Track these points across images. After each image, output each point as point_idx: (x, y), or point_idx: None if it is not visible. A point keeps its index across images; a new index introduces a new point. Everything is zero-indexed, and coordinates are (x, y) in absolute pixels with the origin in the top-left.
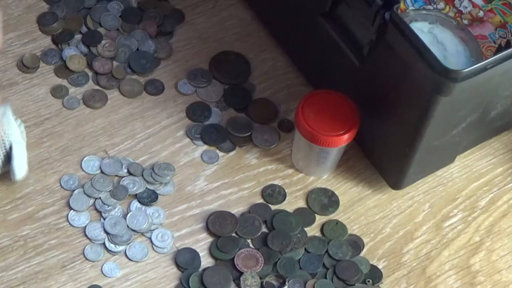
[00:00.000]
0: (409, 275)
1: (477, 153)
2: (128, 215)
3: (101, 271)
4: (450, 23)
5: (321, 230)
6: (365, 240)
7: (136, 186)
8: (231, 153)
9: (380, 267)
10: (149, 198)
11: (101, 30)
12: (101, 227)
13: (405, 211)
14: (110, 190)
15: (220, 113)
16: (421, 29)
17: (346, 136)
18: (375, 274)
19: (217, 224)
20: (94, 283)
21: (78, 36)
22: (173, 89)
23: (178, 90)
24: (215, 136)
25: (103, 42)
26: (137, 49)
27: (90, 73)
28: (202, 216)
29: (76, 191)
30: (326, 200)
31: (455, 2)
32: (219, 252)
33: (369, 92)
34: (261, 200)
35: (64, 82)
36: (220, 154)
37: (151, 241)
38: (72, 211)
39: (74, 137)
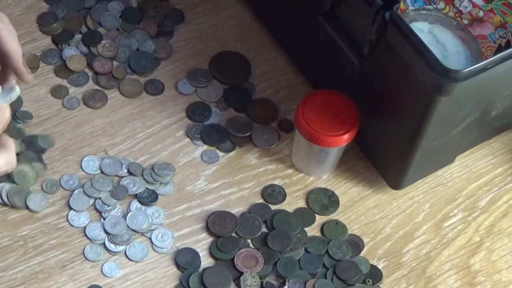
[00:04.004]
0: (409, 275)
1: (477, 153)
2: (128, 215)
3: (101, 271)
4: (450, 23)
5: (321, 230)
6: (365, 240)
7: (136, 186)
8: (231, 153)
9: (380, 267)
10: (149, 198)
11: (101, 30)
12: (101, 227)
13: (405, 211)
14: (110, 190)
15: (220, 113)
16: (421, 29)
17: (346, 136)
18: (375, 274)
19: (217, 224)
20: (94, 283)
21: (78, 36)
22: (173, 89)
23: (178, 90)
24: (215, 136)
25: (103, 42)
26: (137, 49)
27: (90, 73)
28: (202, 216)
29: (76, 191)
30: (326, 200)
31: (455, 2)
32: (219, 252)
33: (369, 92)
34: (261, 200)
35: (64, 82)
36: (220, 154)
37: (151, 241)
38: (72, 211)
39: (74, 137)
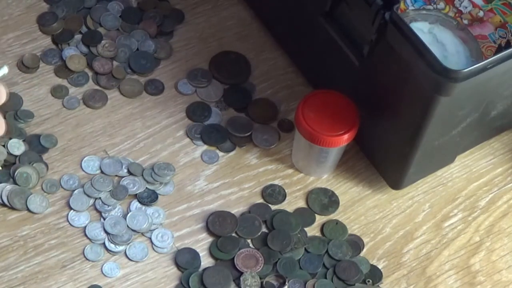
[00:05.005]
0: (409, 275)
1: (477, 153)
2: (128, 215)
3: (101, 271)
4: (450, 23)
5: (321, 230)
6: (365, 240)
7: (136, 186)
8: (231, 153)
9: (380, 267)
10: (149, 198)
11: (101, 30)
12: (101, 227)
13: (405, 211)
14: (110, 190)
15: (220, 113)
16: (421, 29)
17: (346, 136)
18: (375, 274)
19: (217, 224)
20: (94, 283)
21: (78, 36)
22: (173, 89)
23: (178, 90)
24: (215, 136)
25: (103, 42)
26: (137, 49)
27: (90, 73)
28: (202, 216)
29: (76, 191)
30: (326, 200)
31: (455, 2)
32: (219, 252)
33: (369, 92)
34: (261, 200)
35: (64, 82)
36: (220, 154)
37: (151, 241)
38: (72, 211)
39: (74, 137)
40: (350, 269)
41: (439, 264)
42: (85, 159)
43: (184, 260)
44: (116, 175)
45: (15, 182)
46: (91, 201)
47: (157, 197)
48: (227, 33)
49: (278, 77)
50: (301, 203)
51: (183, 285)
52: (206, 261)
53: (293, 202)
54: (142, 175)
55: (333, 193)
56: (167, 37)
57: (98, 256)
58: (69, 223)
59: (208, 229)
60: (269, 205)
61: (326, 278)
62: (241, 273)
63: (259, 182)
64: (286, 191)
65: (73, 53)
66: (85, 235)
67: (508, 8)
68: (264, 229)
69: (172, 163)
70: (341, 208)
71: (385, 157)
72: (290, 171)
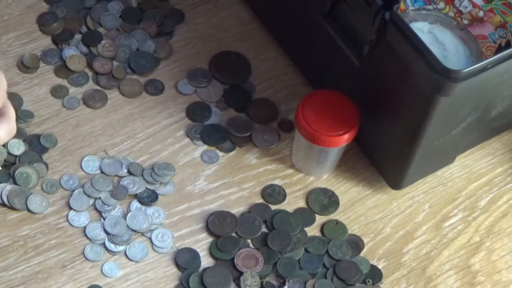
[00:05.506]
0: (409, 275)
1: (477, 153)
2: (128, 215)
3: (101, 271)
4: (450, 23)
5: (321, 230)
6: (365, 240)
7: (136, 186)
8: (231, 153)
9: (380, 267)
10: (149, 198)
11: (101, 30)
12: (101, 227)
13: (405, 211)
14: (110, 190)
15: (220, 113)
16: (421, 29)
17: (346, 136)
18: (375, 274)
19: (217, 224)
20: (94, 283)
21: (78, 36)
22: (173, 89)
23: (178, 90)
24: (215, 136)
25: (103, 42)
26: (137, 49)
27: (90, 73)
28: (202, 216)
29: (76, 191)
30: (326, 200)
31: (455, 2)
32: (219, 252)
33: (369, 92)
34: (261, 200)
35: (64, 82)
36: (220, 154)
37: (151, 241)
38: (72, 211)
39: (74, 137)
40: (350, 269)
41: (439, 264)
42: (85, 159)
43: (184, 260)
44: (116, 175)
45: (15, 182)
46: (91, 201)
47: (157, 197)
48: (227, 33)
49: (278, 77)
50: (301, 203)
51: (183, 285)
52: (206, 261)
53: (293, 202)
54: (142, 175)
55: (333, 193)
56: (167, 37)
57: (98, 256)
58: (69, 223)
59: (208, 229)
60: (269, 205)
61: (326, 278)
62: (241, 273)
63: (259, 182)
64: (286, 191)
65: (73, 53)
66: (85, 235)
67: (508, 8)
68: (264, 229)
69: (172, 163)
70: (341, 208)
71: (385, 157)
72: (290, 171)
